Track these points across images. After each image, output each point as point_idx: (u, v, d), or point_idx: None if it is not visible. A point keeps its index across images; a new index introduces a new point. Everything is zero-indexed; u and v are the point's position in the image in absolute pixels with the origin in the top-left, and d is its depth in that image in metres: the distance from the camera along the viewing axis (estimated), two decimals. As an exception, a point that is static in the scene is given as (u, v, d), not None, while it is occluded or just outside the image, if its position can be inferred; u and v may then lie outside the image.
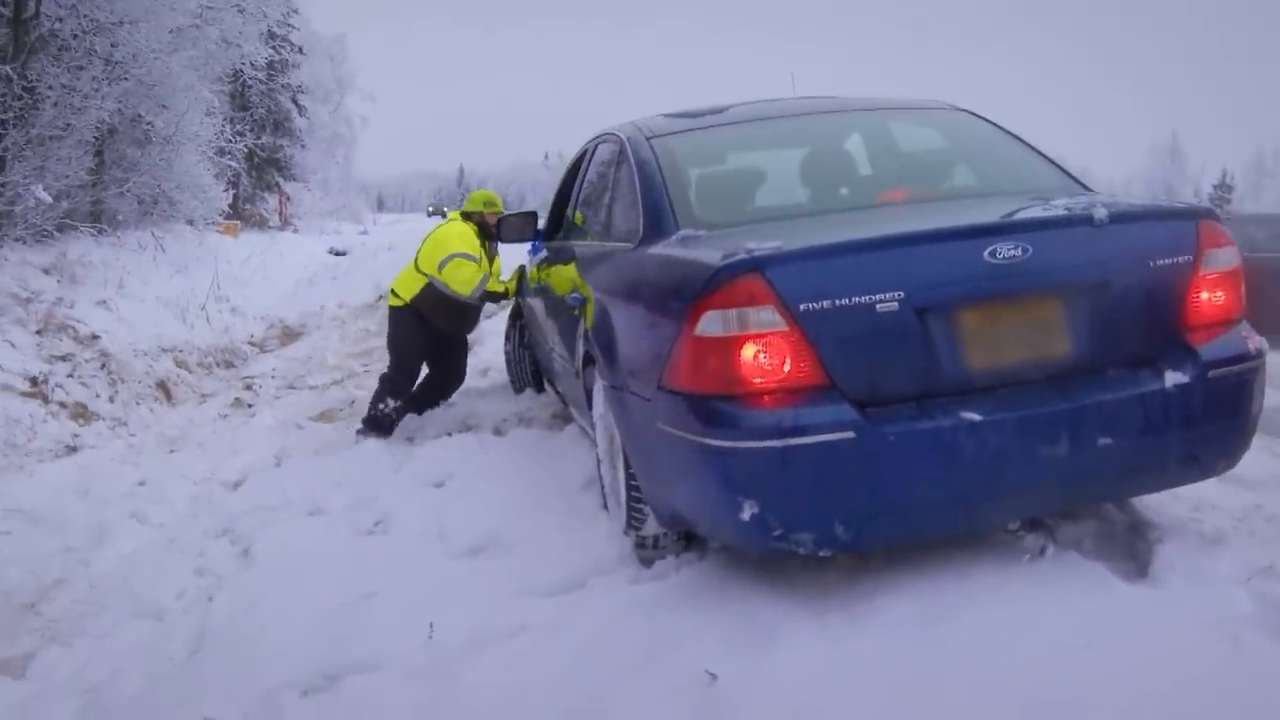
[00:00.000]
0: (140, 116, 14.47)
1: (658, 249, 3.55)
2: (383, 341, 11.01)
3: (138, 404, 8.18)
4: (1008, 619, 2.64)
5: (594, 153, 5.11)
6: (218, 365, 10.47)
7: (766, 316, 2.86)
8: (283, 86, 32.29)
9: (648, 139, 4.16)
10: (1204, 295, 3.15)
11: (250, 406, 8.13)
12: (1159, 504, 3.54)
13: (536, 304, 5.67)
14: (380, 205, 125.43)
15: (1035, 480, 2.97)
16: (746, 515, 2.84)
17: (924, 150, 4.32)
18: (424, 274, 6.15)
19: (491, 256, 6.39)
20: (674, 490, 3.23)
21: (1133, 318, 3.09)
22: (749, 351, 2.87)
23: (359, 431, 6.09)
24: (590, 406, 4.16)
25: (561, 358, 4.84)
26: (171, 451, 6.67)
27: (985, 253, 2.93)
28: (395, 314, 6.34)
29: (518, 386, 6.72)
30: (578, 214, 5.16)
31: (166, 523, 5.09)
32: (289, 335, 12.81)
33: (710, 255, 3.04)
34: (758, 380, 2.87)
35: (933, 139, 4.37)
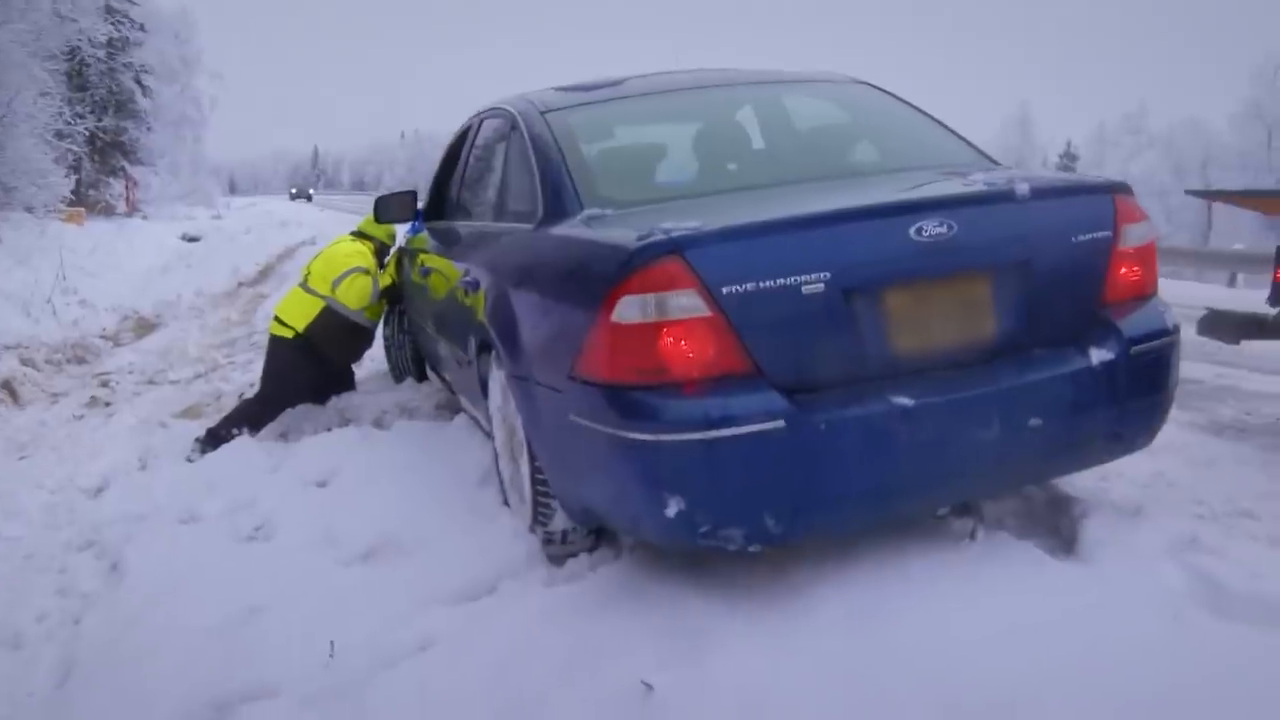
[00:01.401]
0: (-34, 98, 13.56)
1: (561, 229, 3.36)
2: (246, 330, 10.66)
3: (-21, 407, 7.58)
4: (948, 608, 2.56)
5: (479, 129, 4.87)
6: (68, 361, 9.80)
7: (688, 301, 2.70)
8: (124, 65, 30.59)
9: (541, 113, 3.95)
10: (1123, 271, 3.12)
11: (108, 405, 7.58)
12: (1069, 476, 3.50)
13: (419, 288, 5.39)
14: (233, 188, 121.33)
15: (968, 465, 2.89)
16: (671, 512, 2.69)
17: (830, 124, 4.24)
18: (318, 295, 5.73)
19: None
20: (588, 486, 3.06)
21: (1056, 295, 3.04)
22: (670, 338, 2.71)
23: (198, 440, 5.56)
24: (485, 397, 3.95)
25: (450, 345, 4.60)
26: (22, 458, 6.15)
27: (911, 230, 2.84)
28: (280, 345, 5.79)
29: (397, 375, 6.42)
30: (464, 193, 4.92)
31: (21, 537, 4.64)
32: (144, 327, 12.13)
33: (624, 236, 2.86)
34: (680, 369, 2.71)
35: (838, 112, 4.30)
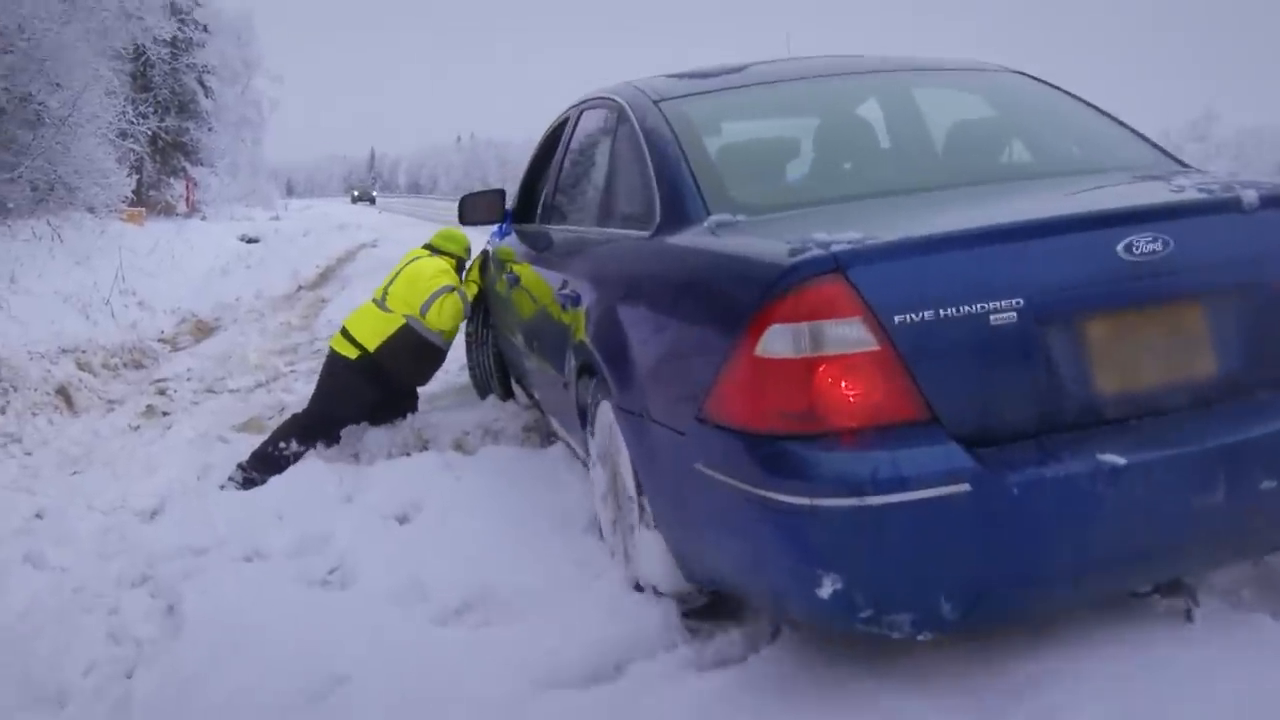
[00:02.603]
0: (31, 95, 13.31)
1: (685, 239, 2.85)
2: (308, 336, 10.26)
3: (34, 415, 7.19)
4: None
5: (579, 121, 4.36)
6: (125, 366, 9.46)
7: (851, 331, 2.18)
8: (187, 66, 30.65)
9: (655, 103, 3.44)
10: None
11: (165, 415, 7.19)
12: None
13: (506, 297, 4.90)
14: (290, 190, 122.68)
15: (1186, 536, 2.32)
16: (825, 592, 2.15)
17: (990, 119, 3.67)
18: (400, 315, 5.23)
19: None
20: (715, 550, 2.55)
21: None
22: (828, 377, 2.19)
23: (240, 467, 5.06)
24: (583, 426, 3.45)
25: (542, 362, 4.10)
26: (74, 473, 5.75)
27: (1119, 247, 2.28)
28: (340, 365, 5.28)
29: (480, 383, 5.89)
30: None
31: (70, 566, 4.19)
32: (203, 330, 11.82)
33: (772, 250, 2.35)
34: (840, 415, 2.19)
35: (998, 107, 3.72)
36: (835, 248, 2.23)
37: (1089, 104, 3.64)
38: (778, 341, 2.22)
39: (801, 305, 2.20)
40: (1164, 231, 2.32)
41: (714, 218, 2.81)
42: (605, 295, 3.21)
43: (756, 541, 2.33)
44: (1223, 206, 2.47)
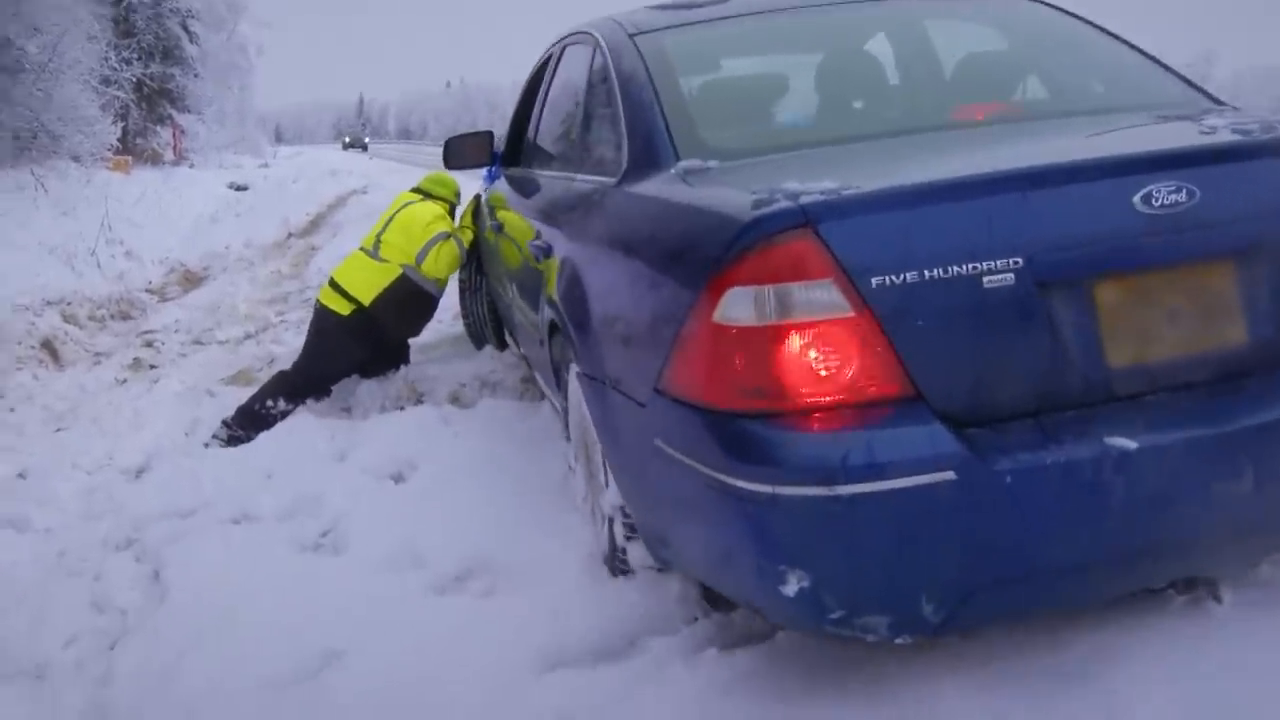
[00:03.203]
0: (9, 40, 12.98)
1: (650, 187, 2.62)
2: (298, 285, 10.04)
3: (18, 369, 7.01)
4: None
5: (560, 58, 4.12)
6: (112, 318, 9.27)
7: (823, 295, 1.94)
8: (170, 11, 30.08)
9: (631, 37, 3.19)
10: None
11: (153, 368, 7.00)
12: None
13: (493, 245, 4.69)
14: (279, 137, 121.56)
15: (1207, 530, 2.07)
16: (790, 590, 1.94)
17: (1006, 53, 3.41)
18: (396, 265, 5.01)
19: None
20: (676, 533, 2.37)
21: None
22: (796, 347, 1.95)
23: (225, 424, 4.86)
24: (559, 386, 3.26)
25: (524, 315, 3.91)
26: (59, 430, 5.57)
27: (1136, 198, 2.02)
28: (330, 321, 5.02)
29: (475, 332, 5.70)
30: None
31: (54, 529, 4.05)
32: (191, 280, 11.60)
33: (734, 201, 2.12)
34: (809, 391, 1.96)
35: (1013, 36, 3.46)
36: (805, 199, 1.99)
37: (1113, 35, 3.41)
38: (737, 306, 1.98)
39: (765, 265, 1.97)
40: (1189, 180, 2.05)
41: (683, 163, 2.57)
42: (572, 249, 3.00)
43: (716, 530, 2.13)
44: (1258, 150, 2.21)
